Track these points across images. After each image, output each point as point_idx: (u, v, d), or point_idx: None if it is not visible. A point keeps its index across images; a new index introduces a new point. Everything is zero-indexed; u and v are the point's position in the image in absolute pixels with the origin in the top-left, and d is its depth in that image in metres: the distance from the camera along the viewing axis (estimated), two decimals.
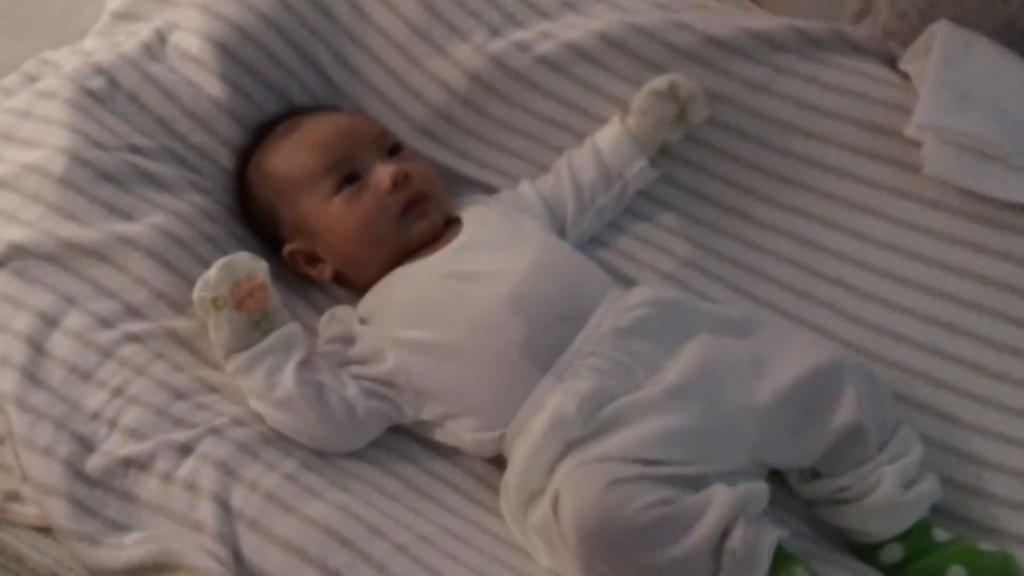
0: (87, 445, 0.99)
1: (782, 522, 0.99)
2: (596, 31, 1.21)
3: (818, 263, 1.15)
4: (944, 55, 1.14)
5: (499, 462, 1.03)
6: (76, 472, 0.98)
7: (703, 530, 0.90)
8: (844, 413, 0.98)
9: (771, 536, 0.92)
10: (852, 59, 1.21)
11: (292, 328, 1.03)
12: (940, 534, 0.99)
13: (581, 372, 0.99)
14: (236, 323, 1.01)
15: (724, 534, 0.91)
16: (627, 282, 1.13)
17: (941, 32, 1.16)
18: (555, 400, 0.97)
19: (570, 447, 0.96)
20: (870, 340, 1.10)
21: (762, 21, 1.24)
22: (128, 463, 0.98)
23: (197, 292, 1.02)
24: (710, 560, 0.90)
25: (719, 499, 0.92)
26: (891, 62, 1.22)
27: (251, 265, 1.03)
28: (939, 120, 1.11)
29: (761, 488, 0.95)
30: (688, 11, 1.24)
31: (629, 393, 0.98)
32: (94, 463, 0.98)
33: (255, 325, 1.01)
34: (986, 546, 0.98)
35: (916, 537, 0.99)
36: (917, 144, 1.14)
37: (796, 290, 1.14)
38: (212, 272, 1.01)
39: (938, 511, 1.00)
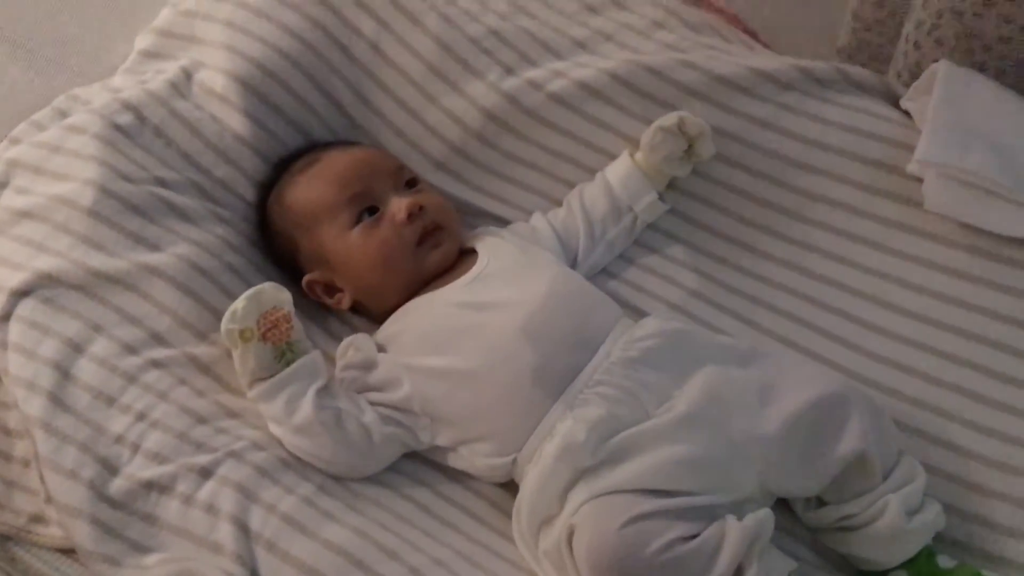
0: (111, 468, 0.99)
1: (788, 549, 0.99)
2: (606, 70, 1.23)
3: (823, 295, 1.15)
4: (944, 93, 1.16)
5: (511, 487, 1.04)
6: (99, 494, 0.98)
7: (719, 570, 0.90)
8: (849, 442, 0.98)
9: (784, 572, 0.93)
10: (855, 97, 1.22)
11: (314, 357, 1.04)
12: (945, 560, 0.99)
13: (591, 400, 1.00)
14: (261, 354, 1.02)
15: (739, 570, 0.91)
16: (636, 312, 1.13)
17: (942, 71, 1.18)
18: (565, 427, 0.98)
19: (581, 475, 0.96)
20: (874, 370, 1.10)
21: (767, 60, 1.25)
22: (150, 486, 0.99)
23: (225, 324, 1.02)
24: None
25: (731, 535, 0.92)
26: (893, 100, 1.23)
27: (277, 296, 1.03)
28: (940, 157, 1.12)
29: (767, 516, 0.95)
30: (695, 51, 1.26)
31: (639, 422, 0.98)
32: (117, 486, 0.99)
33: (280, 356, 1.02)
34: (990, 573, 0.98)
35: (921, 564, 0.98)
36: (919, 180, 1.15)
37: (802, 321, 1.14)
38: (239, 304, 1.02)
39: (942, 539, 1.00)
